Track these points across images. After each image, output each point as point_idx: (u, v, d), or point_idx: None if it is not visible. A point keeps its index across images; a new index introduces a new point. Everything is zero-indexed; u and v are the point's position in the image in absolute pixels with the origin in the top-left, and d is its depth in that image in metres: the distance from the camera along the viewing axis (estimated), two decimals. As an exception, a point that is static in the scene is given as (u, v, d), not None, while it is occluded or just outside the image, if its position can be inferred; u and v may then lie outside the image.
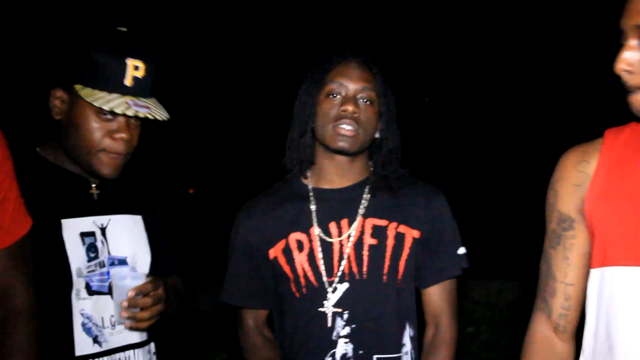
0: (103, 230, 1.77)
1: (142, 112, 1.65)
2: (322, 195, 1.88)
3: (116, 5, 8.03)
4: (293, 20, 10.62)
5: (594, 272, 1.46)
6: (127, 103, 1.64)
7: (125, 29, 1.74)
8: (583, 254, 1.50)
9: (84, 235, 1.72)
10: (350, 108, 1.78)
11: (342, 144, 1.80)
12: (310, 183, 1.91)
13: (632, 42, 1.32)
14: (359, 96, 1.81)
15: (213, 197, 10.39)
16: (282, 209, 1.89)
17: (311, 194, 1.89)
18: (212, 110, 10.64)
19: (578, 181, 1.51)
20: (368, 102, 1.82)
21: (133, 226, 1.84)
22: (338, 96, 1.82)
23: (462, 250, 1.89)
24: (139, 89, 1.69)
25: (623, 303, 1.38)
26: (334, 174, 1.87)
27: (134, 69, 1.68)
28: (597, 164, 1.49)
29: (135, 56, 1.68)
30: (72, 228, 1.70)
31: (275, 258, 1.86)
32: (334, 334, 1.79)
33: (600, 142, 1.51)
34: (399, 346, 1.82)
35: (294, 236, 1.85)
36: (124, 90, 1.66)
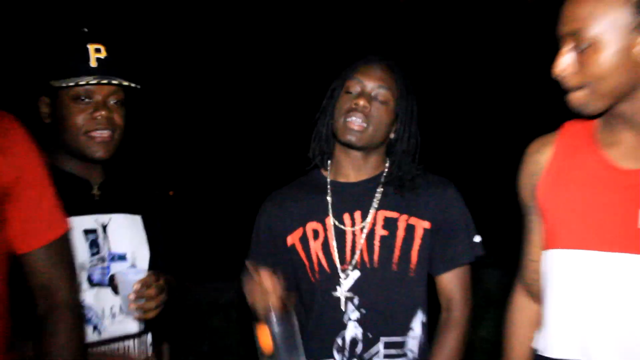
0: (104, 227, 1.87)
1: (106, 80, 1.81)
2: (339, 188, 1.97)
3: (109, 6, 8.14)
4: (271, 23, 10.69)
5: (544, 254, 1.61)
6: (93, 80, 1.81)
7: (86, 30, 1.91)
8: (543, 237, 1.65)
9: (87, 232, 1.83)
10: (361, 102, 1.86)
11: (349, 137, 1.88)
12: (329, 176, 1.99)
13: (567, 47, 1.45)
14: (374, 94, 1.89)
15: (193, 199, 10.43)
16: (302, 199, 1.98)
17: (329, 186, 1.98)
18: (192, 112, 10.67)
19: (532, 171, 1.65)
20: (382, 101, 1.90)
21: (132, 225, 1.93)
22: (354, 92, 1.90)
23: (477, 239, 1.95)
24: (105, 68, 1.84)
25: (560, 282, 1.55)
26: (350, 168, 1.96)
27: (96, 51, 1.85)
28: (552, 154, 1.62)
29: (94, 40, 1.86)
30: (77, 225, 1.78)
31: (293, 245, 1.95)
32: (345, 317, 1.88)
33: (557, 133, 1.65)
34: (406, 330, 1.90)
35: (311, 225, 1.94)
36: (90, 72, 1.83)
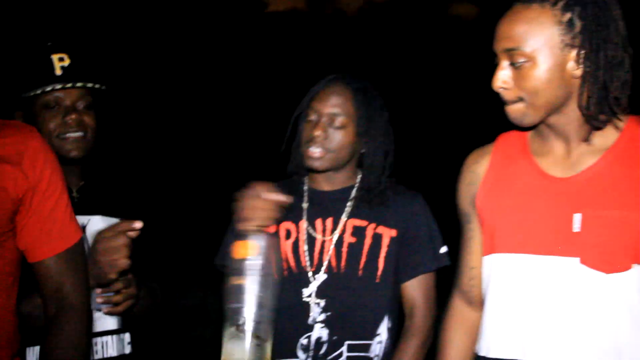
0: (84, 228, 1.92)
1: (70, 84, 1.93)
2: (314, 195, 2.07)
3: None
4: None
5: (485, 259, 1.71)
6: (59, 87, 1.93)
7: (50, 43, 2.03)
8: (481, 243, 1.74)
9: None
10: (317, 133, 1.95)
11: (310, 163, 1.98)
12: (306, 183, 2.10)
13: (504, 63, 1.56)
14: (330, 120, 1.97)
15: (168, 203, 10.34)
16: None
17: (306, 193, 2.08)
18: (174, 116, 10.62)
19: (470, 180, 1.75)
20: (339, 126, 1.97)
21: None
22: (313, 121, 1.99)
23: (443, 250, 2.03)
24: (70, 75, 1.95)
25: (500, 285, 1.64)
26: (323, 181, 2.06)
27: (59, 60, 1.96)
28: (488, 164, 1.73)
29: (57, 51, 1.98)
30: None
31: None
32: (311, 319, 1.96)
33: (493, 144, 1.76)
34: (371, 334, 1.97)
35: (285, 225, 2.03)
36: (56, 79, 1.94)
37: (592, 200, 1.55)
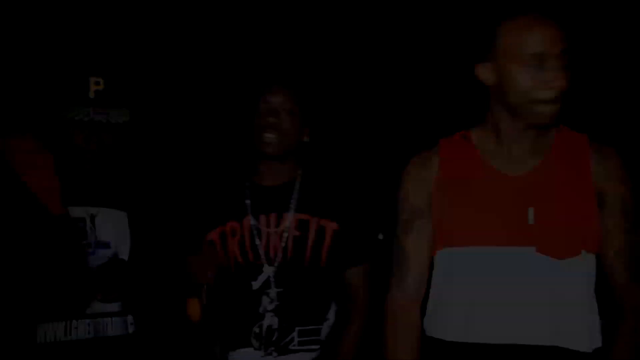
0: (93, 218, 2.16)
1: (97, 118, 2.13)
2: (257, 191, 2.18)
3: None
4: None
5: (441, 252, 1.77)
6: (89, 113, 2.13)
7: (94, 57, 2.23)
8: (431, 238, 1.80)
9: (77, 220, 2.11)
10: (270, 119, 2.10)
11: (265, 149, 2.11)
12: (249, 180, 2.21)
13: (557, 63, 1.62)
14: (280, 108, 2.12)
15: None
16: (223, 200, 2.20)
17: (248, 190, 2.19)
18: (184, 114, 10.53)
19: (425, 179, 1.81)
20: (289, 112, 2.12)
21: (118, 219, 2.23)
22: (265, 110, 2.12)
23: (380, 236, 2.15)
24: (101, 99, 2.16)
25: (463, 275, 1.72)
26: (267, 174, 2.17)
27: (95, 84, 2.16)
28: (438, 165, 1.80)
29: (95, 73, 2.17)
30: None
31: (212, 241, 2.15)
32: (261, 308, 2.08)
33: (437, 148, 1.84)
34: (321, 319, 2.11)
35: (230, 224, 2.15)
36: (88, 102, 2.14)
37: (542, 195, 1.68)
